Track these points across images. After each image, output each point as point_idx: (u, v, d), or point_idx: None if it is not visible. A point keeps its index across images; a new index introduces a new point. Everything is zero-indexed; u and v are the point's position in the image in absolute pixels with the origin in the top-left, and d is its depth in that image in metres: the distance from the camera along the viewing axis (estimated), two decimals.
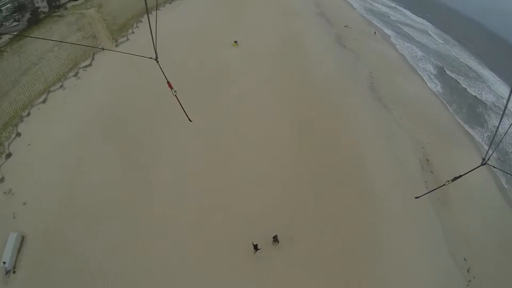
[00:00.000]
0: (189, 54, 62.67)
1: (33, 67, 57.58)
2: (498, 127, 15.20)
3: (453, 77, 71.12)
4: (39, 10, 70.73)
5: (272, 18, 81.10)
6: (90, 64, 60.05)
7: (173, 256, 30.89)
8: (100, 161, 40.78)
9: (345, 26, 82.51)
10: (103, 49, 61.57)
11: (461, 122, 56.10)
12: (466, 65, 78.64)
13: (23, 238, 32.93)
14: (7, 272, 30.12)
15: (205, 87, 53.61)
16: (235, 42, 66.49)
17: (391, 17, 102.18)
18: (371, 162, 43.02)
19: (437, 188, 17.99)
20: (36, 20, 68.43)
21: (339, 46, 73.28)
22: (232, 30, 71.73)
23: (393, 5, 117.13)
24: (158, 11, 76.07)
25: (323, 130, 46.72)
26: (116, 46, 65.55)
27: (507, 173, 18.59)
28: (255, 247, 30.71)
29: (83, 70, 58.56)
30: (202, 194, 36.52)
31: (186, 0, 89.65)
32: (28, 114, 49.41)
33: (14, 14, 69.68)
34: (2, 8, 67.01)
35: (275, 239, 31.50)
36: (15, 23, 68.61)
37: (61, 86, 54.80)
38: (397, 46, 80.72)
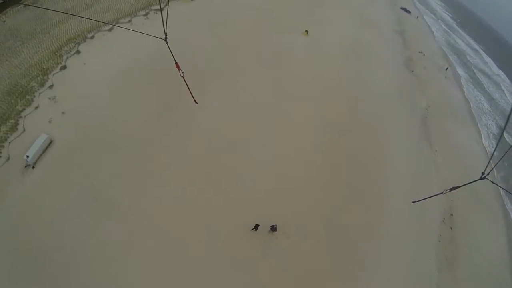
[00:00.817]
0: (258, 30, 62.32)
1: None
2: (499, 141, 14.50)
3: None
4: None
5: (346, 23, 78.72)
6: (162, 9, 60.94)
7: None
8: (139, 97, 41.80)
9: (419, 52, 78.52)
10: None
11: (503, 194, 50.51)
12: None
13: (51, 141, 34.54)
14: (27, 165, 31.72)
15: (266, 63, 53.33)
16: (306, 31, 65.34)
17: (469, 59, 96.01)
18: (393, 194, 40.65)
19: (434, 195, 18.07)
20: None
21: (406, 70, 70.00)
22: (303, 22, 70.37)
23: (476, 47, 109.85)
24: None
25: (355, 143, 44.78)
26: (192, 0, 66.50)
27: (506, 190, 18.06)
28: (256, 227, 30.95)
29: (154, 13, 60.03)
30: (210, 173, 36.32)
31: None
32: (92, 37, 51.44)
33: None
34: None
35: (273, 228, 31.37)
36: None
37: (129, 21, 56.52)
38: (465, 90, 75.79)
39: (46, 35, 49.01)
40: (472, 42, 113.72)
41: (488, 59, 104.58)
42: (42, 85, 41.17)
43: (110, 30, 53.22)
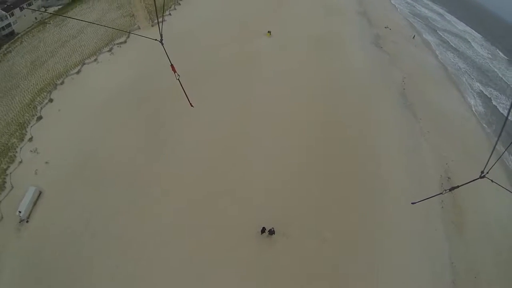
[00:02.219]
0: (221, 39, 64.29)
1: (72, 40, 62.10)
2: (498, 139, 14.40)
3: (496, 95, 67.35)
4: None
5: (310, 13, 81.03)
6: (125, 41, 63.54)
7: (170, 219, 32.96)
8: (119, 132, 43.57)
9: (385, 27, 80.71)
10: (127, 32, 65.00)
11: (497, 146, 52.28)
12: None
13: (40, 192, 36.34)
14: (21, 220, 33.52)
15: (229, 74, 55.05)
16: (269, 32, 67.43)
17: (435, 23, 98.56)
18: (387, 171, 41.60)
19: (434, 196, 17.90)
20: None
21: (375, 47, 71.93)
22: (267, 22, 72.47)
23: (440, 11, 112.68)
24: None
25: (343, 129, 46.00)
26: (152, 26, 68.76)
27: (506, 189, 17.69)
28: (263, 230, 32.22)
29: (118, 47, 62.14)
30: (214, 176, 37.84)
31: None
32: (62, 83, 53.56)
33: None
34: None
35: (271, 231, 32.27)
36: None
37: (95, 60, 58.64)
38: (437, 54, 77.97)
39: (17, 90, 51.15)
40: (435, 7, 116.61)
41: (453, 19, 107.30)
42: (21, 139, 43.13)
43: (77, 72, 55.36)
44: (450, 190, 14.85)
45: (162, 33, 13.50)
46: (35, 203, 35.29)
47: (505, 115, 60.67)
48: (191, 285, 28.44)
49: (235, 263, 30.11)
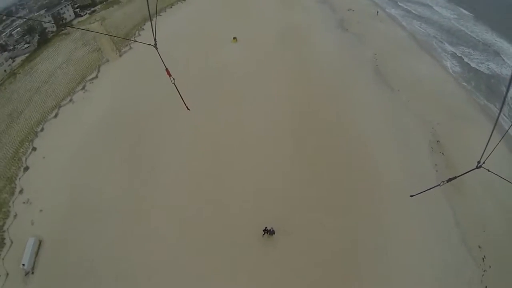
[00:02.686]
0: (190, 52, 65.36)
1: (44, 85, 62.60)
2: (493, 128, 13.80)
3: (468, 53, 68.82)
4: (47, 30, 76.18)
5: (272, 10, 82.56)
6: (96, 76, 64.33)
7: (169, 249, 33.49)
8: (106, 165, 44.43)
9: (348, 10, 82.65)
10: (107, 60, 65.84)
11: (477, 99, 53.82)
12: (483, 42, 75.31)
13: (40, 242, 36.77)
14: (27, 273, 33.95)
15: (206, 82, 56.45)
16: (234, 38, 68.60)
17: None
18: (375, 148, 43.28)
19: (432, 188, 17.49)
20: (45, 40, 74.17)
21: (341, 31, 73.57)
22: (232, 27, 73.67)
23: None
24: (159, 16, 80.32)
25: (324, 117, 47.61)
26: (120, 56, 69.60)
27: (504, 179, 17.88)
28: (265, 231, 33.25)
29: (90, 83, 62.87)
30: (203, 188, 38.90)
31: (187, 3, 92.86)
32: (42, 129, 54.06)
33: (24, 37, 75.63)
34: (13, 32, 72.95)
35: (271, 231, 33.21)
36: (26, 45, 74.55)
37: (70, 100, 59.29)
38: (404, 25, 79.52)
39: (0, 145, 51.39)
40: None
41: None
42: (12, 193, 43.50)
43: (55, 116, 55.96)
44: (447, 181, 14.70)
45: (155, 39, 13.88)
46: (37, 253, 35.74)
47: (481, 70, 62.36)
48: None
49: (239, 271, 31.24)
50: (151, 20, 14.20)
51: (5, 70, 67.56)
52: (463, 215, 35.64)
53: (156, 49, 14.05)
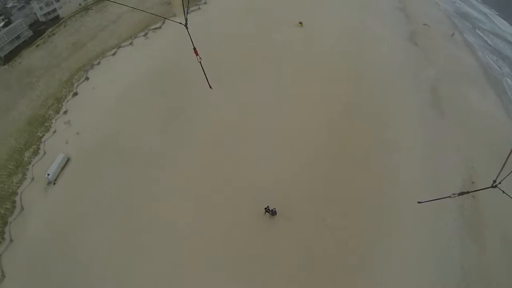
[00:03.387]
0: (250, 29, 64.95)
1: (111, 25, 65.90)
2: (510, 153, 13.10)
3: None
4: None
5: (345, 11, 79.29)
6: (160, 27, 66.22)
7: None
8: (143, 111, 45.45)
9: (424, 24, 76.70)
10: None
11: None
12: None
13: (68, 159, 39.10)
14: (49, 183, 36.27)
15: (257, 62, 55.53)
16: (300, 23, 66.85)
17: (480, 24, 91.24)
18: (404, 165, 39.98)
19: (442, 198, 17.27)
20: None
21: (409, 43, 68.82)
22: (300, 14, 71.97)
23: (487, 11, 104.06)
24: None
25: (361, 120, 44.91)
26: (188, 13, 70.96)
27: None
28: (267, 210, 32.83)
29: (153, 32, 64.90)
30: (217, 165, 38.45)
31: None
32: (99, 63, 57.04)
33: None
34: None
35: (273, 211, 32.75)
36: None
37: (130, 43, 61.74)
38: (478, 54, 72.43)
39: (58, 68, 55.33)
40: (481, 7, 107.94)
41: (500, 20, 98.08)
42: (57, 112, 46.66)
43: (113, 54, 58.65)
44: (459, 194, 14.57)
45: (188, 20, 14.79)
46: (62, 168, 38.01)
47: None
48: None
49: (237, 242, 31.22)
50: (183, 1, 14.76)
51: (80, 4, 72.09)
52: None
53: (187, 29, 14.56)
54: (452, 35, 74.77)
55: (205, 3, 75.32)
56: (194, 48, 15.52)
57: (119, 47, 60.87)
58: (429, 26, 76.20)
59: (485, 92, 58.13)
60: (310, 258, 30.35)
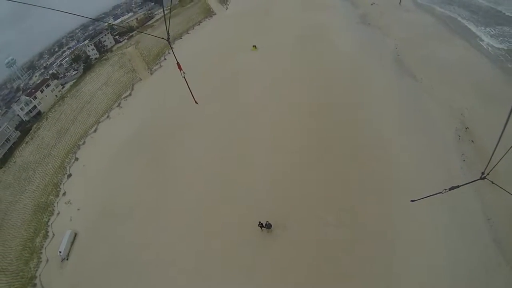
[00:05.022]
0: (214, 58, 72.68)
1: (87, 105, 73.73)
2: (500, 138, 12.99)
3: (508, 32, 63.07)
4: (90, 58, 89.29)
5: (292, 13, 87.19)
6: (130, 94, 74.13)
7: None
8: (130, 170, 51.24)
9: (371, 4, 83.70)
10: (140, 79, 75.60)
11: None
12: None
13: (75, 234, 44.34)
14: (62, 259, 41.38)
15: (225, 85, 62.65)
16: (254, 46, 73.90)
17: None
18: (393, 141, 42.19)
19: (433, 194, 17.21)
20: (89, 66, 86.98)
21: (362, 25, 74.54)
22: (253, 34, 79.38)
23: None
24: (187, 34, 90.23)
25: (339, 112, 48.46)
26: (151, 74, 79.29)
27: (507, 192, 17.60)
28: (261, 225, 35.18)
29: (124, 100, 72.66)
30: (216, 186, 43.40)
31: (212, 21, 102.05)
32: (84, 143, 64.06)
33: (72, 65, 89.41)
34: (62, 62, 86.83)
35: (267, 225, 35.06)
36: (74, 72, 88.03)
37: (107, 117, 69.23)
38: (433, 11, 76.50)
39: (49, 157, 62.10)
40: None
41: None
42: (57, 195, 52.71)
43: (95, 131, 65.89)
44: (450, 189, 14.72)
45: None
46: (72, 243, 43.23)
47: None
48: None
49: (238, 263, 33.70)
50: (164, 18, 17.02)
51: (56, 95, 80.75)
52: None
53: (169, 43, 14.97)
54: (399, 2, 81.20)
55: (165, 59, 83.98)
56: (178, 63, 16.09)
57: (98, 122, 68.40)
58: (377, 4, 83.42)
59: (451, 42, 62.04)
60: (316, 262, 31.44)
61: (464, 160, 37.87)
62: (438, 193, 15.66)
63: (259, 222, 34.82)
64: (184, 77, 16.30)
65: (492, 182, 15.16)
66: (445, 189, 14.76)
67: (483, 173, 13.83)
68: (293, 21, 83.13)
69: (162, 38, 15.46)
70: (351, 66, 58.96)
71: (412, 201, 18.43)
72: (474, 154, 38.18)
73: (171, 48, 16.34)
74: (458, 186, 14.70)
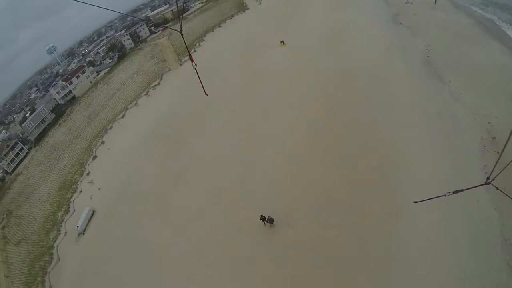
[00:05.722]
0: (240, 57, 74.02)
1: (117, 92, 77.78)
2: (507, 142, 12.88)
3: None
4: (125, 47, 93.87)
5: (324, 10, 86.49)
6: (158, 84, 77.26)
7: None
8: (150, 157, 53.64)
9: (406, 3, 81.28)
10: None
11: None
12: None
13: (93, 211, 47.29)
14: (79, 234, 44.38)
15: (250, 80, 63.62)
16: (282, 42, 74.39)
17: None
18: (409, 144, 40.69)
19: (437, 197, 17.04)
20: (123, 55, 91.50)
21: (393, 25, 72.58)
22: (284, 29, 80.00)
23: None
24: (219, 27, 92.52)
25: (358, 111, 47.66)
26: (181, 65, 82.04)
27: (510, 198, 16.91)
28: (263, 219, 35.70)
29: (153, 89, 75.86)
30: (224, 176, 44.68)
31: (245, 15, 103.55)
32: (111, 127, 67.76)
33: (109, 53, 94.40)
34: (99, 50, 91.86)
35: (270, 220, 35.47)
36: (109, 60, 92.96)
37: (135, 104, 72.66)
38: (470, 11, 73.87)
39: (79, 139, 66.41)
40: None
41: None
42: (81, 175, 56.38)
43: (122, 117, 69.46)
44: (453, 193, 14.50)
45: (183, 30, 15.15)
46: (89, 220, 46.19)
47: None
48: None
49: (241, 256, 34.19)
50: (178, 10, 17.82)
51: (90, 82, 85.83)
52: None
53: (182, 35, 15.67)
54: (435, 2, 77.94)
55: (195, 51, 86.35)
56: (190, 55, 16.71)
57: (126, 109, 71.95)
58: (411, 3, 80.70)
59: (485, 45, 58.40)
60: (318, 260, 31.37)
61: (485, 173, 34.38)
62: (442, 195, 15.42)
63: (261, 215, 35.40)
64: (195, 69, 16.70)
65: (497, 188, 14.81)
66: (449, 192, 14.53)
67: (488, 178, 13.54)
68: (324, 18, 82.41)
69: (175, 30, 16.49)
70: (375, 66, 57.25)
71: (415, 202, 18.10)
72: (497, 166, 35.58)
73: (183, 40, 16.92)
74: (462, 190, 14.40)
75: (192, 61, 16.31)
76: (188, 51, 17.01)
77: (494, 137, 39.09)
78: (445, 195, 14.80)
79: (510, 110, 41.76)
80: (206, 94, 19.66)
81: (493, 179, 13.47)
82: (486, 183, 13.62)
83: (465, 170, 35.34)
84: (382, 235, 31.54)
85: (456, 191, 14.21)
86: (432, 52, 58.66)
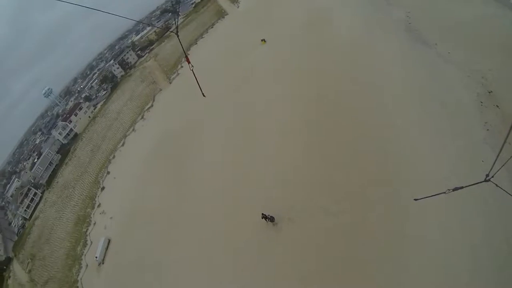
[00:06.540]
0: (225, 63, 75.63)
1: (115, 122, 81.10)
2: (506, 139, 13.06)
3: None
4: (116, 76, 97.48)
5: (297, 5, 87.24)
6: (152, 105, 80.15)
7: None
8: (154, 176, 56.17)
9: None
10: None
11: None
12: None
13: (109, 240, 50.13)
14: (99, 264, 47.26)
15: (237, 84, 64.89)
16: (263, 40, 75.08)
17: None
18: (404, 117, 40.27)
19: (436, 194, 16.86)
20: (115, 84, 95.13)
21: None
22: (264, 26, 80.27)
23: None
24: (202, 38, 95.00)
25: (346, 93, 47.57)
26: (170, 83, 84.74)
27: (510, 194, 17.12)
28: (264, 217, 37.12)
29: (147, 111, 78.88)
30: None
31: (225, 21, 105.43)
32: (114, 157, 71.01)
33: (102, 85, 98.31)
34: (92, 84, 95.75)
35: (270, 218, 36.86)
36: (104, 92, 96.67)
37: (133, 130, 75.77)
38: None
39: (86, 174, 69.82)
40: None
41: None
42: (93, 207, 59.62)
43: (122, 145, 72.59)
44: (453, 190, 14.62)
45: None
46: (106, 249, 49.04)
47: None
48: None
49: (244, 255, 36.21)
50: (173, 13, 18.40)
51: (89, 116, 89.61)
52: None
53: (177, 36, 15.73)
54: None
55: (182, 66, 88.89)
56: (186, 57, 16.99)
57: (126, 136, 75.12)
58: None
59: (475, 2, 55.36)
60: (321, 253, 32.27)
61: (487, 130, 34.88)
62: (442, 193, 15.57)
63: (262, 213, 36.71)
64: (192, 70, 17.15)
65: (497, 185, 15.02)
66: (449, 189, 14.70)
67: (487, 175, 13.69)
68: (302, 6, 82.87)
69: (172, 32, 17.68)
70: (356, 46, 56.44)
71: (415, 199, 18.41)
72: (500, 121, 34.91)
73: (179, 41, 16.78)
74: (462, 187, 14.65)
75: (189, 62, 16.87)
76: (185, 53, 18.47)
77: (491, 91, 38.63)
78: (444, 193, 15.06)
79: (502, 60, 40.99)
80: (204, 96, 20.42)
81: (492, 176, 13.63)
82: (485, 180, 13.81)
83: (466, 132, 35.29)
84: (383, 232, 31.59)
85: (456, 188, 14.53)
86: (413, 18, 57.37)
